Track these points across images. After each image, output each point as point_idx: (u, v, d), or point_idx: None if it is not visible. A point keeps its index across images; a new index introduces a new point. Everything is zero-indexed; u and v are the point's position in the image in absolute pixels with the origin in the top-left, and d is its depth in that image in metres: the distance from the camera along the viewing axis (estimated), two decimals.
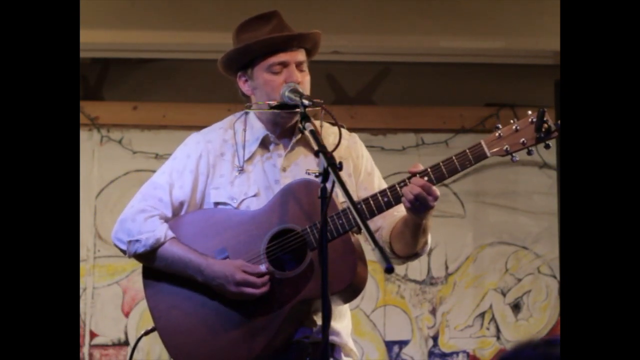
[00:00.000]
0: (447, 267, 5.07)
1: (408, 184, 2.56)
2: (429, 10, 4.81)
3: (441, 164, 2.58)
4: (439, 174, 2.58)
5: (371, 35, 4.89)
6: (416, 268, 5.02)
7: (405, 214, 2.67)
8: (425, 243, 2.74)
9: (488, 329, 5.03)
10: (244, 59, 2.77)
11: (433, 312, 5.02)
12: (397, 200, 2.58)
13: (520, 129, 2.58)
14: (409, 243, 2.69)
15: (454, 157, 2.58)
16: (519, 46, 4.94)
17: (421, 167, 2.58)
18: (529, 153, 2.60)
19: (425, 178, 2.56)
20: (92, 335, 4.90)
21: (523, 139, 2.57)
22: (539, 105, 5.02)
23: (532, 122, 2.57)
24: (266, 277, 2.61)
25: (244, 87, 2.80)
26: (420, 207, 2.55)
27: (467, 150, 2.59)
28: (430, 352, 4.99)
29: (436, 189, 2.55)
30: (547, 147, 2.59)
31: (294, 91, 2.63)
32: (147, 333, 3.00)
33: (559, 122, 2.52)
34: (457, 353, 5.01)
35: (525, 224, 5.11)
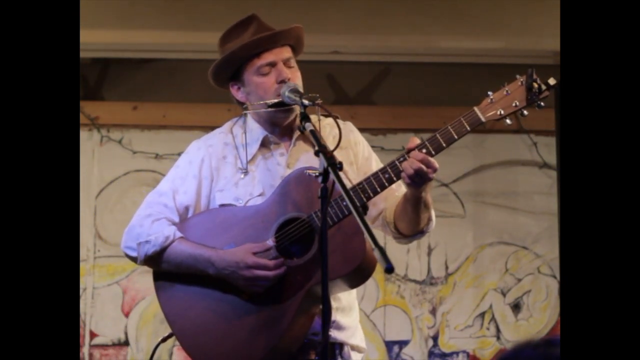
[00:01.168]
0: (447, 267, 5.07)
1: (407, 158, 2.57)
2: (429, 10, 4.81)
3: (437, 134, 2.59)
4: (437, 144, 2.58)
5: (371, 35, 4.89)
6: (416, 268, 5.03)
7: (406, 192, 2.68)
8: (429, 219, 2.75)
9: (488, 329, 5.03)
10: (232, 67, 2.80)
11: (433, 312, 5.02)
12: (398, 176, 2.59)
13: (511, 92, 2.60)
14: (413, 219, 2.70)
15: (449, 127, 2.60)
16: (519, 46, 4.94)
17: (418, 141, 2.59)
18: (522, 115, 2.62)
19: (424, 151, 2.57)
20: (92, 335, 4.90)
21: (515, 102, 2.59)
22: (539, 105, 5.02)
23: (522, 83, 2.60)
24: (279, 260, 2.61)
25: (238, 94, 2.83)
26: (419, 180, 2.56)
27: (462, 118, 2.61)
28: (430, 352, 4.99)
29: (434, 161, 2.56)
30: (539, 107, 2.60)
31: (294, 91, 2.65)
32: (164, 340, 2.99)
33: (549, 80, 2.54)
34: (457, 353, 5.01)
35: (525, 224, 5.11)
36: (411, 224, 2.71)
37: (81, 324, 4.87)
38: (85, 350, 4.88)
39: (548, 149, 5.04)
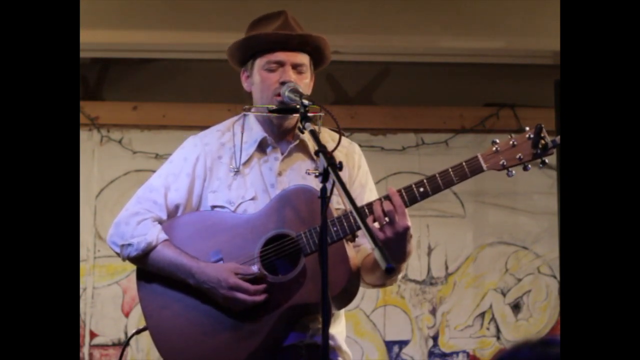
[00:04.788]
0: (447, 267, 5.07)
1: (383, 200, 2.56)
2: (429, 10, 4.81)
3: (437, 175, 2.58)
4: (435, 185, 2.57)
5: (371, 35, 4.89)
6: (416, 268, 5.03)
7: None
8: (394, 280, 2.76)
9: (488, 329, 5.03)
10: (244, 54, 2.79)
11: (433, 312, 5.02)
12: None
13: (517, 144, 2.58)
14: (379, 277, 2.70)
15: (450, 170, 2.58)
16: (519, 46, 4.95)
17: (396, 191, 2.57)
18: (525, 169, 2.60)
19: (421, 189, 2.57)
20: (92, 335, 4.90)
21: (520, 155, 2.58)
22: (539, 105, 5.03)
23: (529, 137, 2.58)
24: (261, 286, 2.60)
25: (245, 83, 2.82)
26: (389, 232, 2.53)
27: (464, 163, 2.59)
28: (430, 352, 4.99)
29: (402, 218, 2.52)
30: (543, 163, 2.60)
31: (294, 91, 2.62)
32: (138, 332, 3.00)
33: (557, 138, 2.53)
34: (457, 353, 5.01)
35: (525, 224, 5.12)
36: (377, 279, 2.72)
37: (81, 324, 4.87)
38: (85, 350, 4.88)
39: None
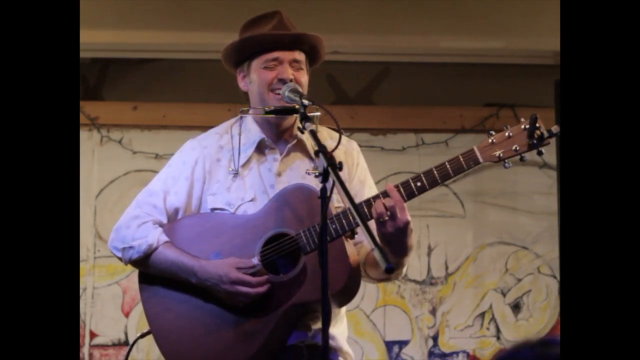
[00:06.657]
0: (447, 267, 5.07)
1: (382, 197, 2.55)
2: (429, 10, 4.81)
3: (434, 169, 2.58)
4: (432, 179, 2.58)
5: (371, 35, 4.89)
6: (416, 268, 5.03)
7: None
8: (399, 274, 2.74)
9: (488, 329, 5.03)
10: (241, 55, 2.79)
11: (433, 312, 5.03)
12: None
13: (513, 135, 2.57)
14: (383, 272, 2.69)
15: (446, 163, 2.58)
16: (519, 46, 4.95)
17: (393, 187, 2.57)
18: (522, 159, 2.60)
19: (419, 183, 2.56)
20: (92, 335, 4.90)
21: (516, 146, 2.57)
22: (539, 105, 5.04)
23: (525, 128, 2.57)
24: (263, 278, 2.60)
25: (242, 82, 2.83)
26: (387, 230, 2.53)
27: (460, 156, 2.59)
28: (430, 352, 4.99)
29: (403, 215, 2.52)
30: (540, 153, 2.59)
31: (294, 91, 2.63)
32: (143, 335, 3.01)
33: (552, 128, 2.53)
34: (457, 353, 5.01)
35: (525, 224, 5.12)
36: (381, 275, 2.71)
37: (81, 324, 4.87)
38: (85, 350, 4.88)
39: (548, 149, 5.03)
